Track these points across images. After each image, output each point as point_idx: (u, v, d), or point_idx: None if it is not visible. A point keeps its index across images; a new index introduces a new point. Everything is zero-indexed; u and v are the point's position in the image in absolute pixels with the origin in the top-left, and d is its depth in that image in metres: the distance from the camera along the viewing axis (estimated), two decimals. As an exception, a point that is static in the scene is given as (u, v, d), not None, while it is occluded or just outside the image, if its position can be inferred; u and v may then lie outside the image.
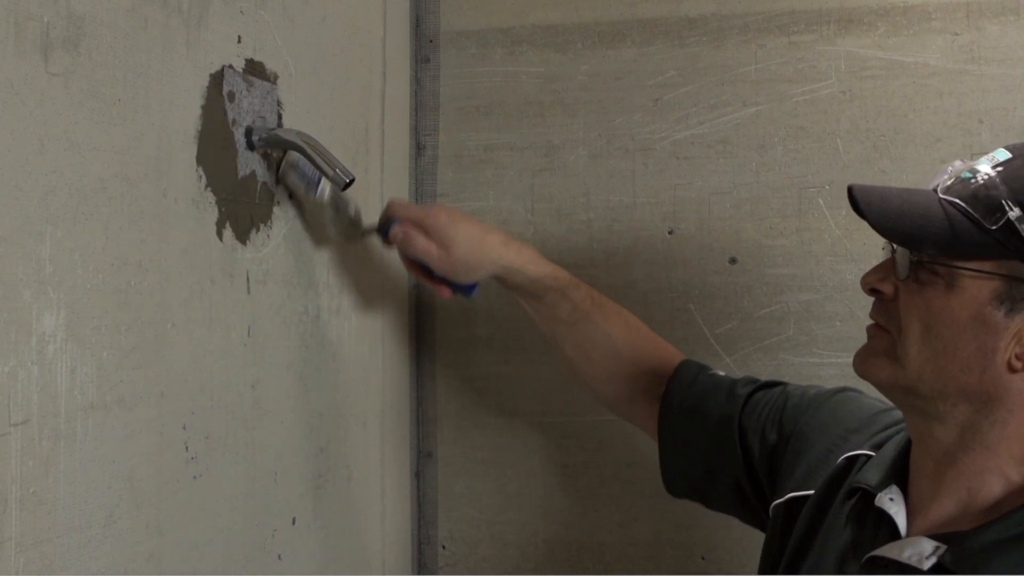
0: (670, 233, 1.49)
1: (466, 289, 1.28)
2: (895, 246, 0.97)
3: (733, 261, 1.47)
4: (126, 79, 0.88)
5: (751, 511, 1.22)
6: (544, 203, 1.53)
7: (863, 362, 1.00)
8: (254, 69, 1.09)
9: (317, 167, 1.09)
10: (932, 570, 0.91)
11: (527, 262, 1.27)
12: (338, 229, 1.22)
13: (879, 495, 1.00)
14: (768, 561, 1.12)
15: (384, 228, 1.25)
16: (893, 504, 0.98)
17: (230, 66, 1.04)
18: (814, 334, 1.45)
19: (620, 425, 1.49)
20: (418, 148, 1.55)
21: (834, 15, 1.45)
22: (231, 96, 1.05)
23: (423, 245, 1.23)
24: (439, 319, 1.55)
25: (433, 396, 1.55)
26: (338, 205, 1.20)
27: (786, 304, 1.46)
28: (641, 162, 1.50)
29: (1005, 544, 0.90)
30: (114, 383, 0.87)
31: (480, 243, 1.24)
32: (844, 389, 1.19)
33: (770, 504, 1.14)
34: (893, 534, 0.97)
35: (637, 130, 1.50)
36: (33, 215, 0.78)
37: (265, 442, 1.11)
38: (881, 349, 0.98)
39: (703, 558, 1.48)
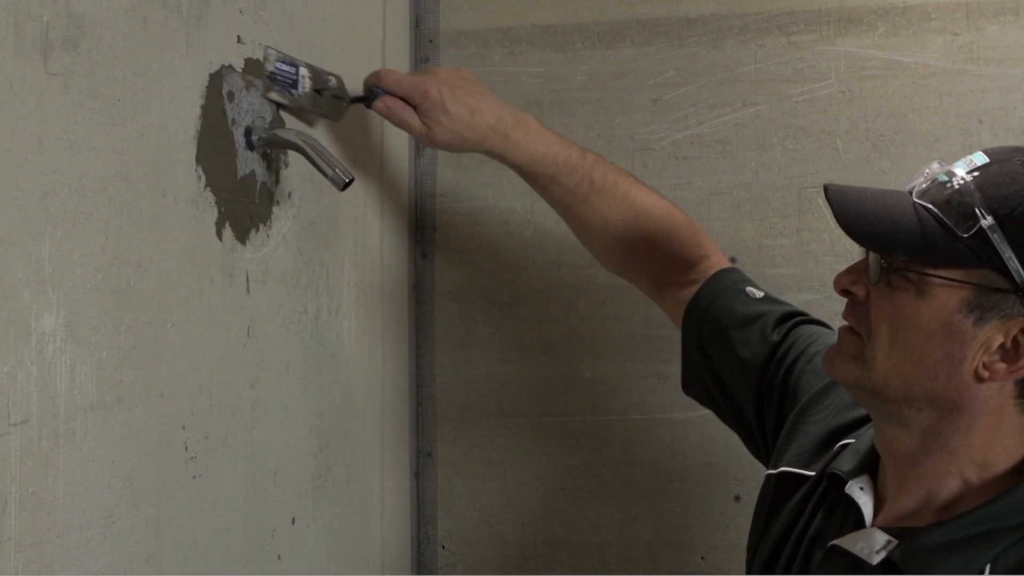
0: (670, 233, 1.49)
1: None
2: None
3: (733, 261, 1.47)
4: (125, 79, 0.88)
5: (755, 445, 1.22)
6: (543, 203, 1.52)
7: (831, 362, 1.00)
8: (254, 69, 1.09)
9: (316, 166, 1.09)
10: (881, 564, 0.92)
11: (512, 147, 1.26)
12: (325, 112, 1.21)
13: (850, 483, 1.00)
14: (756, 532, 1.12)
15: (369, 97, 1.24)
16: (863, 494, 0.99)
17: (229, 66, 1.04)
18: (814, 334, 1.44)
19: (620, 425, 1.49)
20: (417, 148, 1.55)
21: (833, 15, 1.45)
22: (231, 96, 1.05)
23: (405, 118, 1.23)
24: (439, 319, 1.55)
25: (433, 396, 1.55)
26: (319, 88, 1.19)
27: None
28: (640, 162, 1.50)
29: (954, 544, 0.90)
30: (113, 383, 0.87)
31: (466, 127, 1.24)
32: None
33: (767, 457, 1.14)
34: (859, 524, 0.97)
35: (636, 130, 1.50)
36: (32, 215, 0.78)
37: (265, 442, 1.11)
38: (850, 351, 0.97)
39: (703, 558, 1.48)
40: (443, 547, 1.55)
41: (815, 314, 1.45)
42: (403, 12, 1.52)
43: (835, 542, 0.96)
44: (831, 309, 1.44)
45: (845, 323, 1.00)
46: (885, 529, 0.94)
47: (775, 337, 1.19)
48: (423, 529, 1.55)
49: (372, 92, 1.24)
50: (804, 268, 1.45)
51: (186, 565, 0.97)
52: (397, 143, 1.49)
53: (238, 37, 1.06)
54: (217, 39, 1.02)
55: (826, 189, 0.96)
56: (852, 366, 0.97)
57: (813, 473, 1.06)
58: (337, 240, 1.28)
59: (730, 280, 1.26)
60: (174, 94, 0.96)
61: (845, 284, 0.98)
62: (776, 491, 1.10)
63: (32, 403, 0.78)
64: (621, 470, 1.50)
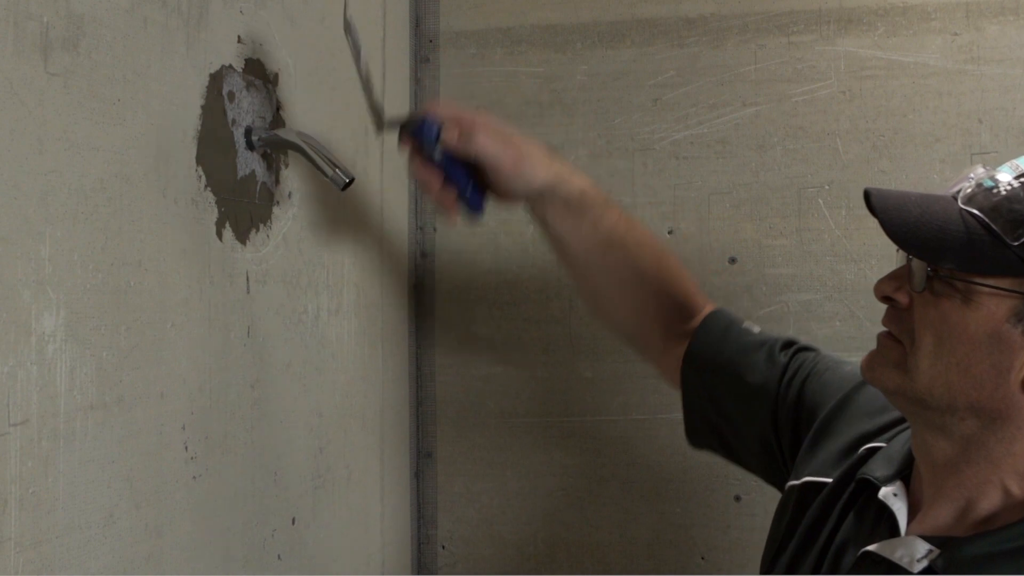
0: (670, 233, 1.49)
1: (478, 207, 1.18)
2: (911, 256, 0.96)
3: (733, 261, 1.47)
4: (125, 79, 0.88)
5: (776, 471, 1.19)
6: (544, 203, 1.53)
7: (871, 369, 0.98)
8: (254, 69, 1.09)
9: (316, 167, 1.09)
10: (922, 573, 0.90)
11: (573, 172, 1.22)
12: (370, 113, 1.16)
13: (883, 489, 0.99)
14: (775, 542, 1.11)
15: (414, 126, 1.14)
16: (896, 500, 0.97)
17: (230, 66, 1.04)
18: (814, 334, 1.44)
19: (620, 425, 1.49)
20: (418, 148, 1.55)
21: (833, 15, 1.45)
22: (231, 96, 1.05)
23: (485, 139, 1.14)
24: (439, 319, 1.55)
25: (433, 396, 1.55)
26: (370, 85, 1.14)
27: (786, 304, 1.46)
28: (640, 162, 1.50)
29: (998, 556, 0.89)
30: (113, 383, 0.87)
31: (532, 146, 1.20)
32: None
33: (787, 478, 1.13)
34: (892, 531, 0.96)
35: (636, 130, 1.50)
36: (32, 215, 0.78)
37: (265, 442, 1.11)
38: (891, 358, 0.96)
39: (703, 558, 1.48)
40: (443, 547, 1.55)
41: (815, 314, 1.45)
42: (403, 12, 1.52)
43: (869, 548, 0.95)
44: (831, 309, 1.44)
45: (884, 329, 0.99)
46: (925, 538, 0.93)
47: (783, 359, 1.19)
48: (423, 529, 1.55)
49: (420, 121, 1.15)
50: (804, 268, 1.45)
51: (186, 565, 0.97)
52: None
53: (238, 37, 1.06)
54: (217, 39, 1.02)
55: (868, 194, 0.95)
56: (893, 373, 0.96)
57: (830, 480, 1.05)
58: (337, 240, 1.28)
59: (725, 318, 1.25)
60: (174, 94, 0.96)
61: (887, 291, 0.97)
62: (798, 501, 1.08)
63: (32, 403, 0.78)
64: (621, 470, 1.50)
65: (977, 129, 1.41)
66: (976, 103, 1.41)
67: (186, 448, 0.97)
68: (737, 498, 1.46)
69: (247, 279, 1.08)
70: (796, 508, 1.08)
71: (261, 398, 1.10)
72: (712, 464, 1.45)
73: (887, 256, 1.43)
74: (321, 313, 1.23)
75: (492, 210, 1.53)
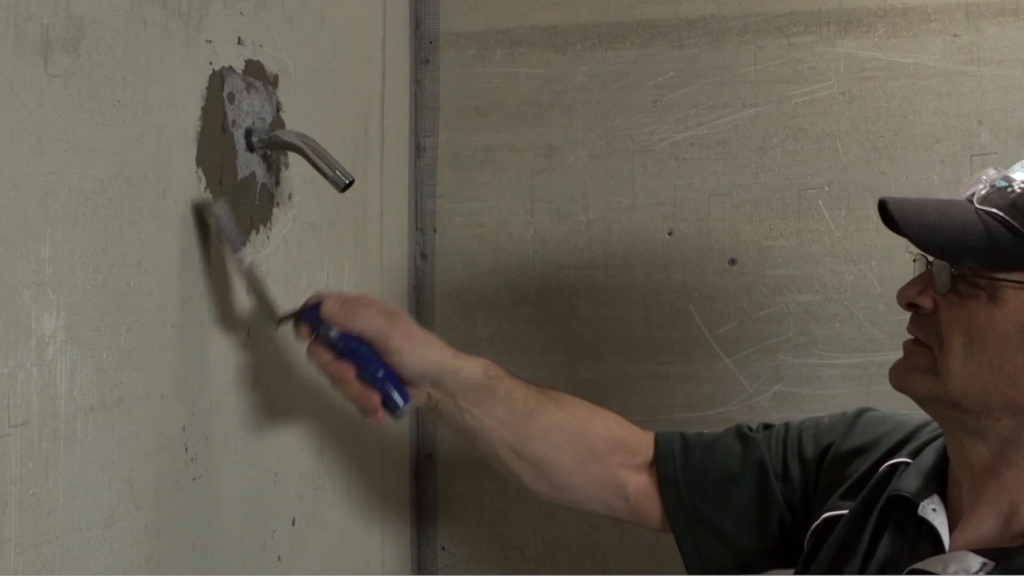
0: (669, 234, 1.49)
1: (401, 398, 1.07)
2: (930, 259, 0.96)
3: (732, 262, 1.47)
4: (126, 80, 0.88)
5: (792, 546, 1.14)
6: (543, 204, 1.53)
7: (901, 377, 0.98)
8: (254, 70, 1.09)
9: (316, 168, 1.09)
10: None
11: (466, 355, 1.13)
12: (253, 309, 1.06)
13: (921, 504, 0.98)
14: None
15: (303, 312, 1.06)
16: (936, 515, 0.97)
17: (230, 67, 1.04)
18: (813, 335, 1.45)
19: (620, 426, 1.49)
20: (417, 149, 1.55)
21: (833, 16, 1.45)
22: (231, 97, 1.05)
23: (368, 312, 1.06)
24: (439, 320, 1.55)
25: (433, 397, 1.55)
26: (255, 281, 1.04)
27: (785, 305, 1.46)
28: (640, 163, 1.50)
29: None
30: (114, 384, 0.87)
31: (419, 328, 1.11)
32: (865, 409, 1.16)
33: (805, 537, 1.11)
34: (935, 546, 0.95)
35: (636, 131, 1.50)
36: (33, 216, 0.78)
37: (264, 443, 1.11)
38: (921, 364, 0.96)
39: (703, 559, 1.48)
40: (443, 548, 1.55)
41: (815, 315, 1.45)
42: (403, 13, 1.52)
43: (917, 566, 0.94)
44: (831, 311, 1.44)
45: (910, 337, 0.99)
46: (975, 551, 0.92)
47: (756, 435, 1.17)
48: (423, 530, 1.55)
49: (310, 307, 1.06)
50: (804, 269, 1.45)
51: (186, 566, 0.97)
52: (397, 144, 1.49)
53: (238, 38, 1.06)
54: (217, 41, 1.02)
55: (884, 203, 0.95)
56: (925, 379, 0.95)
57: (847, 511, 1.05)
58: (337, 241, 1.28)
59: (671, 437, 1.21)
60: (174, 95, 0.96)
61: (911, 297, 0.97)
62: (819, 538, 1.07)
63: (32, 404, 0.78)
64: (621, 471, 1.50)
65: (977, 130, 1.41)
66: (976, 104, 1.41)
67: (186, 449, 0.97)
68: (737, 499, 1.46)
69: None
70: (815, 544, 1.07)
71: (261, 399, 1.10)
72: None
73: (887, 257, 1.43)
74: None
75: (492, 212, 1.54)
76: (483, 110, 1.54)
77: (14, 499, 0.76)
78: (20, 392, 0.76)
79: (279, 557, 1.14)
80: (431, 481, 1.55)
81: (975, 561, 0.91)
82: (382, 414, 1.06)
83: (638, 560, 1.50)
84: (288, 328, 1.07)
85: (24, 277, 0.77)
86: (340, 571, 1.28)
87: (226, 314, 1.04)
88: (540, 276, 1.53)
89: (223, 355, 1.04)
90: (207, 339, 1.01)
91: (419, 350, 1.08)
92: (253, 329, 1.09)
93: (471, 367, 1.12)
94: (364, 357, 1.06)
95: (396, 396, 1.06)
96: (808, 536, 1.09)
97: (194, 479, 0.98)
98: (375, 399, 1.05)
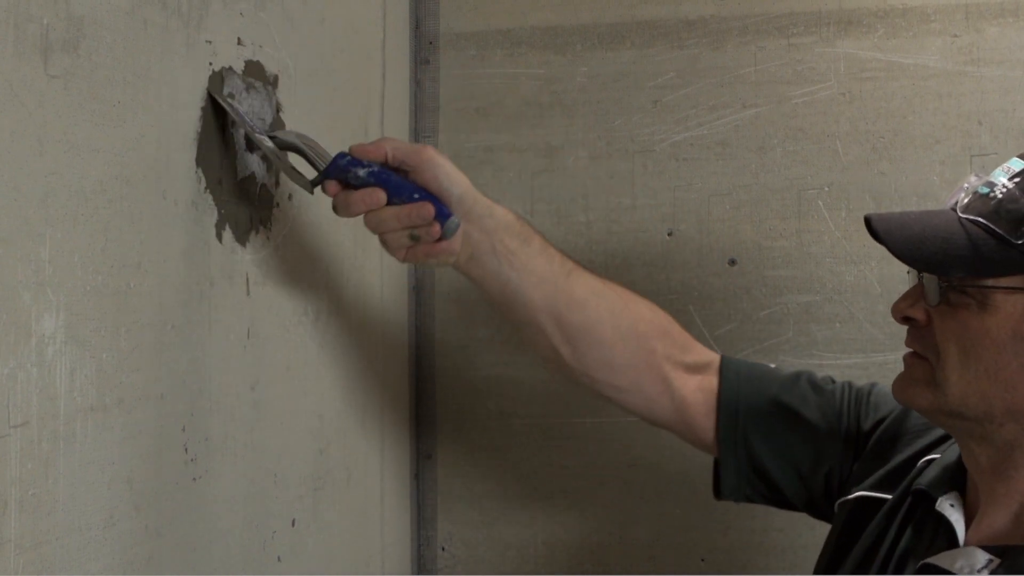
0: (669, 235, 1.49)
1: (447, 214, 1.05)
2: (921, 272, 0.96)
3: (732, 263, 1.47)
4: (125, 81, 0.88)
5: (822, 500, 1.16)
6: (543, 204, 1.53)
7: (903, 391, 0.99)
8: (254, 71, 1.09)
9: (316, 168, 1.09)
10: None
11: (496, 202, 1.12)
12: (286, 173, 1.08)
13: (940, 500, 0.99)
14: (824, 557, 1.10)
15: (330, 167, 1.05)
16: (953, 511, 0.97)
17: (230, 68, 1.04)
18: (813, 336, 1.45)
19: (620, 427, 1.49)
20: (417, 149, 1.55)
21: (833, 17, 1.45)
22: (231, 98, 1.05)
23: (393, 140, 1.06)
24: (439, 320, 1.55)
25: (433, 397, 1.55)
26: (278, 156, 1.06)
27: (785, 306, 1.46)
28: (640, 164, 1.50)
29: None
30: (114, 385, 0.87)
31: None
32: None
33: (832, 500, 1.12)
34: (950, 541, 0.96)
35: (636, 132, 1.50)
36: (32, 217, 0.78)
37: (265, 444, 1.11)
38: (920, 376, 0.97)
39: (703, 560, 1.48)
40: (443, 548, 1.55)
41: (815, 316, 1.45)
42: (403, 13, 1.52)
43: (929, 560, 0.95)
44: (831, 311, 1.44)
45: (908, 350, 0.99)
46: (984, 547, 0.93)
47: (829, 387, 1.16)
48: (423, 531, 1.55)
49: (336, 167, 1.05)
50: (804, 270, 1.45)
51: (186, 567, 0.97)
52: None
53: (238, 39, 1.06)
54: (217, 41, 1.02)
55: (868, 220, 0.96)
56: (925, 391, 0.96)
57: (890, 496, 1.05)
58: (337, 242, 1.28)
59: (738, 361, 1.19)
60: (174, 96, 0.96)
61: (904, 311, 0.98)
62: (851, 516, 1.08)
63: (32, 405, 0.78)
64: (621, 471, 1.50)
65: (977, 131, 1.41)
66: (976, 105, 1.41)
67: (186, 450, 0.97)
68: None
69: (247, 281, 1.08)
70: (849, 522, 1.08)
71: (261, 400, 1.10)
72: (712, 465, 1.45)
73: (887, 258, 1.42)
74: (321, 315, 1.23)
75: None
76: (483, 111, 1.54)
77: (14, 500, 0.76)
78: (20, 392, 0.76)
79: (279, 557, 1.14)
80: (431, 481, 1.55)
81: (982, 557, 0.92)
82: (438, 227, 1.03)
83: (638, 560, 1.50)
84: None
85: (24, 278, 0.77)
86: (340, 571, 1.28)
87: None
88: (540, 276, 1.52)
89: (223, 355, 1.04)
90: (207, 339, 1.01)
91: (451, 167, 1.06)
92: (253, 329, 1.09)
93: (502, 209, 1.10)
94: (396, 182, 1.04)
95: (443, 208, 1.04)
96: (839, 504, 1.10)
97: (194, 479, 0.98)
98: (427, 206, 1.02)
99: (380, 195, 1.03)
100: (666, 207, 1.49)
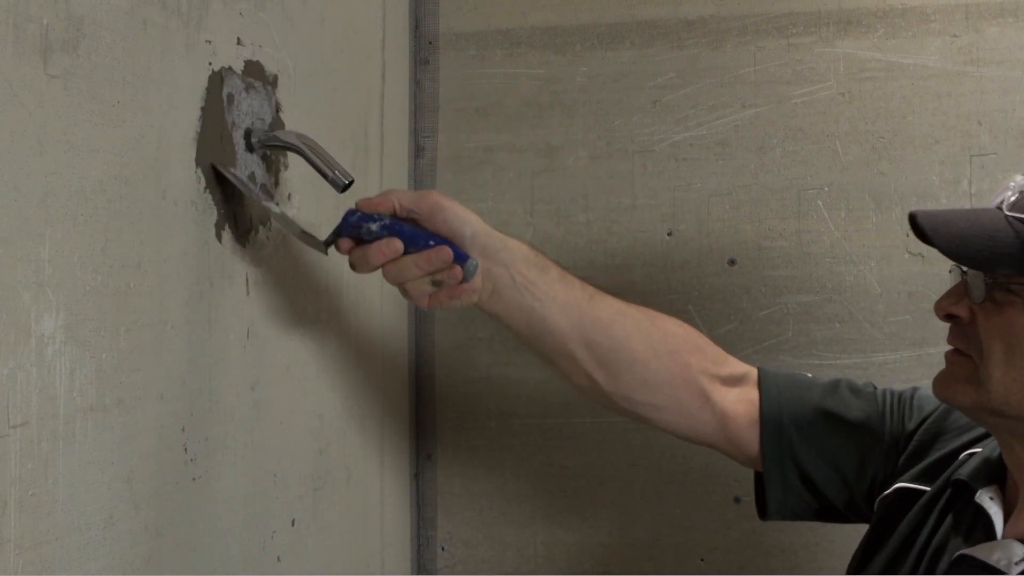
0: (669, 235, 1.49)
1: (465, 256, 1.05)
2: (965, 269, 0.96)
3: (732, 263, 1.47)
4: (125, 81, 0.88)
5: (863, 505, 1.15)
6: (543, 204, 1.53)
7: (945, 388, 0.99)
8: (253, 71, 1.09)
9: (316, 168, 1.09)
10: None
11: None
12: (297, 236, 1.10)
13: (979, 492, 0.99)
14: (863, 546, 1.10)
15: (342, 225, 1.06)
16: (992, 504, 0.98)
17: (229, 68, 1.05)
18: (813, 336, 1.45)
19: (620, 427, 1.49)
20: (417, 149, 1.55)
21: (833, 17, 1.45)
22: (230, 98, 1.05)
23: (399, 192, 1.07)
24: (439, 320, 1.55)
25: (433, 397, 1.55)
26: (288, 222, 1.09)
27: (785, 306, 1.46)
28: (640, 164, 1.50)
29: None
30: (113, 385, 0.87)
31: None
32: None
33: (872, 502, 1.12)
34: (988, 534, 0.96)
35: (636, 132, 1.50)
36: (32, 217, 0.78)
37: (264, 444, 1.11)
38: (962, 374, 0.97)
39: (702, 560, 1.48)
40: (443, 548, 1.55)
41: (815, 316, 1.46)
42: (403, 13, 1.52)
43: (965, 551, 0.95)
44: (830, 311, 1.44)
45: (950, 347, 0.99)
46: (1021, 541, 0.93)
47: (869, 390, 1.16)
48: (423, 531, 1.55)
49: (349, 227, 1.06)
50: (803, 270, 1.45)
51: (185, 567, 0.97)
52: (397, 145, 1.49)
53: (238, 39, 1.06)
54: (217, 41, 1.02)
55: (913, 216, 0.96)
56: (967, 388, 0.96)
57: (929, 488, 1.05)
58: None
59: (775, 372, 1.19)
60: (174, 96, 0.96)
61: (948, 308, 0.98)
62: (890, 507, 1.08)
63: (32, 405, 0.78)
64: (621, 471, 1.50)
65: (976, 131, 1.41)
66: (975, 105, 1.41)
67: (186, 450, 0.97)
68: (737, 499, 1.46)
69: (247, 281, 1.08)
70: (888, 514, 1.08)
71: (261, 400, 1.10)
72: (712, 465, 1.45)
73: (886, 258, 1.43)
74: (321, 315, 1.23)
75: (492, 213, 1.54)
76: (483, 111, 1.54)
77: (14, 500, 0.76)
78: (20, 393, 0.76)
79: (279, 558, 1.14)
80: (431, 481, 1.55)
81: (1020, 550, 0.92)
82: (459, 269, 1.04)
83: (638, 560, 1.50)
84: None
85: (24, 278, 0.77)
86: (340, 571, 1.28)
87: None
88: (540, 277, 1.52)
89: (223, 355, 1.04)
90: (207, 339, 1.01)
91: (460, 208, 1.07)
92: (253, 329, 1.09)
93: (515, 241, 1.11)
94: (410, 232, 1.04)
95: (460, 250, 1.04)
96: (879, 500, 1.10)
97: (194, 479, 0.98)
98: (445, 251, 1.03)
99: (397, 244, 1.03)
100: (666, 207, 1.49)
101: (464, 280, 1.05)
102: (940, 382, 1.00)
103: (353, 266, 1.06)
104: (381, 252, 1.03)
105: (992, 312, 0.94)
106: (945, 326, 1.00)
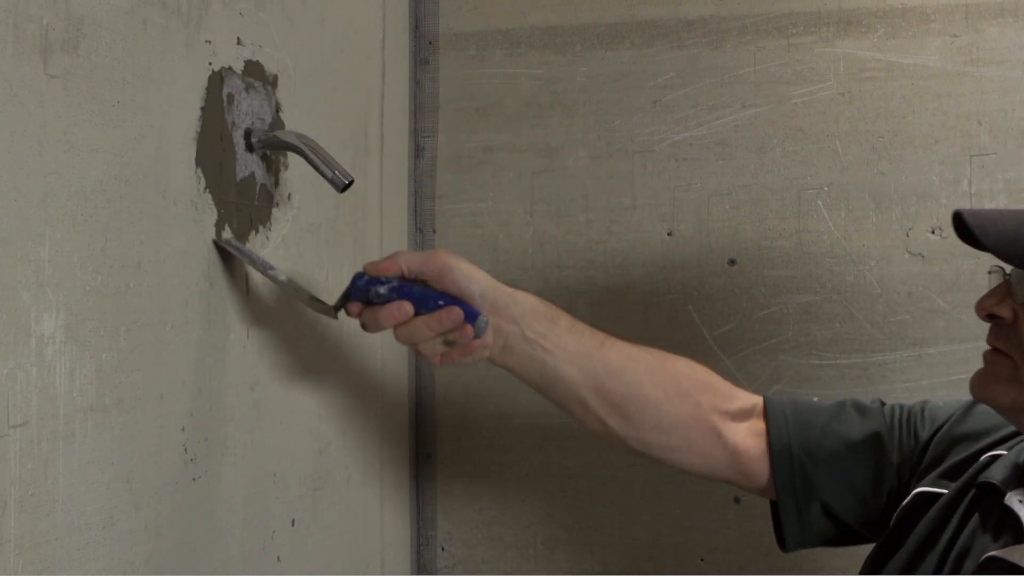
0: (669, 235, 1.49)
1: (475, 314, 1.07)
2: (1008, 270, 0.96)
3: (732, 263, 1.47)
4: (125, 81, 0.88)
5: (888, 518, 1.14)
6: (543, 205, 1.53)
7: (984, 387, 0.99)
8: (253, 71, 1.09)
9: (316, 168, 1.09)
10: None
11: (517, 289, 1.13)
12: (305, 303, 1.11)
13: (1008, 494, 0.99)
14: (878, 546, 1.09)
15: (351, 290, 1.07)
16: (1022, 506, 0.97)
17: (229, 68, 1.05)
18: (813, 335, 1.45)
19: (619, 426, 1.49)
20: (417, 149, 1.55)
21: (833, 17, 1.45)
22: (230, 98, 1.05)
23: (407, 253, 1.09)
24: (438, 321, 1.55)
25: (432, 397, 1.55)
26: (297, 289, 1.09)
27: (785, 305, 1.46)
28: (640, 164, 1.50)
29: None
30: (113, 385, 0.87)
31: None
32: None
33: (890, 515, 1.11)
34: (1017, 536, 0.96)
35: (636, 132, 1.50)
36: (32, 217, 0.78)
37: (264, 444, 1.11)
38: (1003, 374, 0.97)
39: (702, 560, 1.48)
40: (443, 548, 1.55)
41: (814, 316, 1.45)
42: (403, 13, 1.52)
43: (995, 553, 0.95)
44: (830, 311, 1.44)
45: (988, 347, 0.99)
46: None
47: (876, 406, 1.17)
48: (423, 531, 1.55)
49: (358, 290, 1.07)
50: (803, 270, 1.45)
51: (185, 567, 0.97)
52: (397, 145, 1.49)
53: (238, 39, 1.06)
54: (217, 41, 1.02)
55: (959, 215, 0.95)
56: (1008, 388, 0.96)
57: (946, 491, 1.05)
58: (336, 242, 1.28)
59: (781, 400, 1.19)
60: (174, 96, 0.96)
61: (990, 308, 0.97)
62: (908, 512, 1.07)
63: (32, 405, 0.78)
64: (621, 471, 1.50)
65: (976, 131, 1.41)
66: (975, 105, 1.41)
67: (185, 450, 0.97)
68: (737, 500, 1.46)
69: (246, 281, 1.08)
70: (906, 516, 1.07)
71: (260, 400, 1.10)
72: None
73: (886, 258, 1.43)
74: (320, 316, 1.23)
75: (492, 213, 1.54)
76: (483, 111, 1.54)
77: (13, 500, 0.76)
78: (19, 392, 0.76)
79: (279, 558, 1.14)
80: (431, 481, 1.55)
81: None
82: (470, 328, 1.05)
83: (638, 560, 1.50)
84: (309, 310, 1.10)
85: (24, 278, 0.77)
86: (340, 571, 1.28)
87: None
88: (540, 277, 1.53)
89: (223, 355, 1.04)
90: (207, 339, 1.01)
91: (467, 266, 1.08)
92: (252, 329, 1.09)
93: (524, 294, 1.12)
94: (419, 293, 1.06)
95: (470, 308, 1.06)
96: (898, 511, 1.10)
97: (193, 479, 0.98)
98: (456, 311, 1.04)
99: (407, 307, 1.04)
100: (666, 207, 1.49)
101: (476, 337, 1.07)
102: (978, 381, 1.00)
103: (364, 327, 1.07)
104: (392, 316, 1.04)
105: None
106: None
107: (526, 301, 1.11)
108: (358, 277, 1.07)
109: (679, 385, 1.16)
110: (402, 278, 1.06)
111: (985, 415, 1.11)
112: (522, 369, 1.13)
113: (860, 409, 1.16)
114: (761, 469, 1.16)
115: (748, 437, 1.17)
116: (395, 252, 1.09)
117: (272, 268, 1.06)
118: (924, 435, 1.13)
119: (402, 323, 1.05)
